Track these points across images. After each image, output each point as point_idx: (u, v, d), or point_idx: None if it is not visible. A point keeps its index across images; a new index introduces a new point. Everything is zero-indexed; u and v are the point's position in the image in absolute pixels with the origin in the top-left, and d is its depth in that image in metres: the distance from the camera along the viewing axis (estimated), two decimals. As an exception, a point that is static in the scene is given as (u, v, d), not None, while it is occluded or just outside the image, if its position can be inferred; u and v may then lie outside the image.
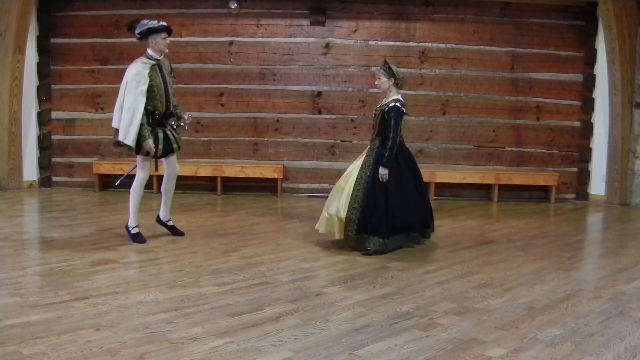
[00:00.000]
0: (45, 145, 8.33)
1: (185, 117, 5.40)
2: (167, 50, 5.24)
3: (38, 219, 6.79)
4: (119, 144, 5.12)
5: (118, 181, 5.71)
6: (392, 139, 5.12)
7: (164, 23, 5.17)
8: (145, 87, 5.02)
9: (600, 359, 3.19)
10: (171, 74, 5.39)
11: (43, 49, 8.16)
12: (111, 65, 8.19)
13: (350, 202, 5.16)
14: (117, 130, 5.09)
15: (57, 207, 7.16)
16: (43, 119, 8.28)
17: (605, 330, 3.59)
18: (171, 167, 5.47)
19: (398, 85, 5.25)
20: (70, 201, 7.49)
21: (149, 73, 5.06)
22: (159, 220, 5.69)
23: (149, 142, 5.09)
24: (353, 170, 5.33)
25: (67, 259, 4.83)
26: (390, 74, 5.21)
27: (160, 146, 5.20)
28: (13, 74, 7.80)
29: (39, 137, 8.29)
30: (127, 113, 5.00)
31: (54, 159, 8.42)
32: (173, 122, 5.37)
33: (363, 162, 5.29)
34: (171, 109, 5.33)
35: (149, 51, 5.14)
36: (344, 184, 5.30)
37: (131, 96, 5.00)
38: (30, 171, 8.26)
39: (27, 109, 8.09)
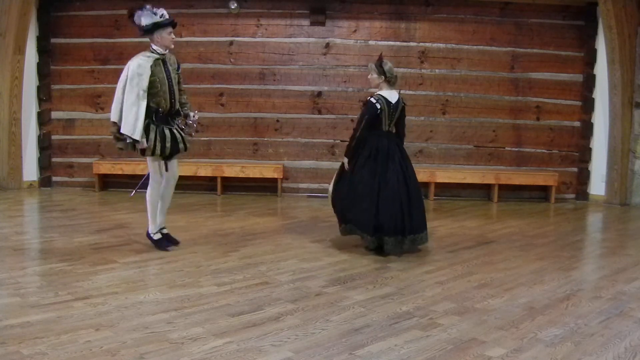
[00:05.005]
0: (45, 145, 8.33)
1: (191, 114, 5.18)
2: (172, 46, 5.02)
3: (38, 219, 6.79)
4: (119, 139, 4.88)
5: (132, 192, 5.63)
6: (354, 130, 5.25)
7: (167, 16, 4.93)
8: (146, 83, 4.79)
9: (600, 359, 3.19)
10: (178, 70, 5.15)
11: (43, 49, 8.16)
12: (111, 65, 8.17)
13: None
14: (115, 123, 4.84)
15: (57, 207, 7.16)
16: (43, 119, 8.28)
17: (605, 330, 3.59)
18: (172, 171, 5.19)
19: (390, 82, 5.20)
20: (70, 201, 7.49)
21: (151, 67, 4.82)
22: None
23: (143, 142, 4.84)
24: None
25: (67, 259, 4.83)
26: (381, 71, 5.15)
27: (168, 144, 4.93)
28: (13, 74, 7.79)
29: (39, 137, 8.29)
30: (132, 108, 4.75)
31: (54, 159, 8.42)
32: (180, 122, 5.14)
33: None
34: (177, 107, 5.09)
35: (153, 46, 4.93)
36: None
37: (133, 93, 4.77)
38: (30, 171, 8.26)
39: (27, 109, 8.09)
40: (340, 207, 5.31)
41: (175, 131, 5.04)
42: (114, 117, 4.87)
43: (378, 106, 5.11)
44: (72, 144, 8.40)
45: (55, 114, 8.35)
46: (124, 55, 7.99)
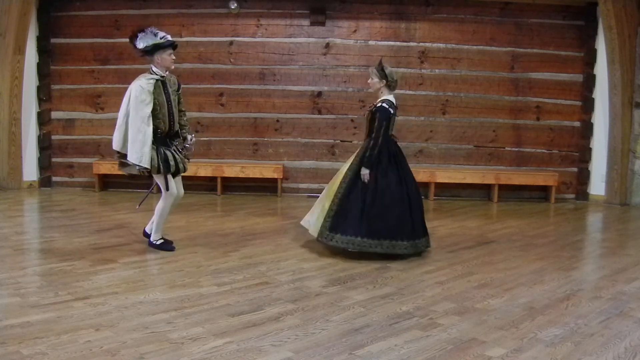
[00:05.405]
0: (45, 145, 8.33)
1: (189, 137, 5.20)
2: (172, 67, 5.01)
3: (38, 219, 6.79)
4: (124, 164, 4.94)
5: (138, 206, 5.62)
6: (374, 139, 5.07)
7: (169, 37, 4.92)
8: (150, 108, 4.80)
9: (600, 359, 3.19)
10: (178, 90, 5.13)
11: (43, 49, 8.16)
12: (111, 65, 8.19)
13: (333, 199, 5.15)
14: (118, 152, 4.90)
15: (57, 207, 7.16)
16: (43, 119, 8.28)
17: (605, 330, 3.59)
18: (177, 189, 5.17)
19: (390, 87, 5.20)
20: (70, 201, 7.49)
21: (152, 91, 4.83)
22: (145, 234, 5.40)
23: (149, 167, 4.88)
24: (342, 169, 5.34)
25: (67, 259, 4.83)
26: (382, 75, 5.15)
27: (172, 162, 4.96)
28: (13, 74, 7.79)
29: (39, 137, 8.29)
30: (138, 134, 4.77)
31: (54, 159, 8.42)
32: (178, 143, 5.14)
33: (352, 161, 5.28)
34: (176, 128, 5.10)
35: (154, 68, 4.92)
36: (333, 185, 5.28)
37: (138, 119, 4.77)
38: (30, 171, 8.26)
39: (27, 109, 8.09)
40: (370, 223, 4.99)
41: (173, 152, 5.05)
42: (116, 146, 4.90)
43: (391, 111, 5.13)
44: (72, 144, 8.40)
45: (55, 114, 8.35)
46: (124, 55, 8.03)
